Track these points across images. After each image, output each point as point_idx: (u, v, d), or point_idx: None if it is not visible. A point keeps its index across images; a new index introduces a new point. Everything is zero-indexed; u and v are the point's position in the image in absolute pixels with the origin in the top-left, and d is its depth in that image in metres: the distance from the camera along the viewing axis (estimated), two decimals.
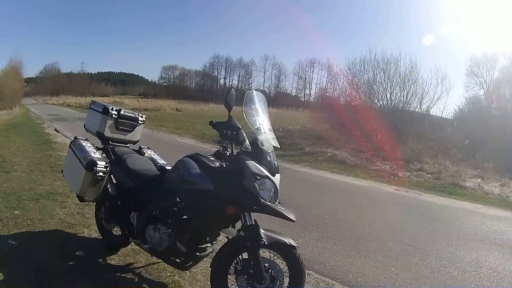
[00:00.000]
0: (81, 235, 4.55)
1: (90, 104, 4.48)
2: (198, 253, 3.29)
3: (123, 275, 3.69)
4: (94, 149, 4.04)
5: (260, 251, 2.94)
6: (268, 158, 2.97)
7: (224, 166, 3.10)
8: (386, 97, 19.13)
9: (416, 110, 18.80)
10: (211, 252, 3.39)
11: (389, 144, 15.49)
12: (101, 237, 4.38)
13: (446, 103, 19.94)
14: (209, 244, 3.38)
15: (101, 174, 3.76)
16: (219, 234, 3.51)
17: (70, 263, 3.79)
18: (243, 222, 2.98)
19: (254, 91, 3.36)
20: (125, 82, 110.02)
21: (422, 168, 12.88)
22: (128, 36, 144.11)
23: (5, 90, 32.55)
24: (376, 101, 19.61)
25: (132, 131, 4.47)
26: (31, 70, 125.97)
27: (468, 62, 34.28)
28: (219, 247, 3.17)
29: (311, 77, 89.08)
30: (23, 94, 44.63)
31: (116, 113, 4.24)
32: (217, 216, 3.06)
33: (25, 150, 10.44)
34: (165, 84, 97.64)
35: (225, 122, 3.15)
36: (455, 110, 26.08)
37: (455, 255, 5.17)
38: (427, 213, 7.53)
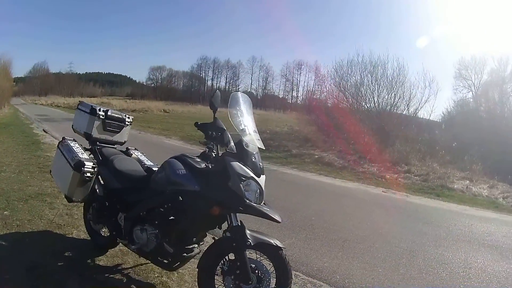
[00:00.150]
0: (70, 236, 4.52)
1: (78, 105, 4.48)
2: (185, 254, 3.27)
3: (111, 275, 3.66)
4: (82, 150, 4.06)
5: (247, 252, 2.94)
6: (253, 159, 2.99)
7: (210, 167, 3.11)
8: (374, 99, 19.19)
9: (404, 113, 18.86)
10: (198, 253, 3.37)
11: (377, 146, 15.52)
12: (89, 238, 4.35)
13: (434, 106, 20.08)
14: (196, 245, 3.36)
15: (88, 174, 3.78)
16: (206, 235, 3.50)
17: (59, 264, 3.76)
18: (229, 223, 2.98)
19: (239, 92, 3.37)
20: (113, 83, 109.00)
21: (410, 170, 12.92)
22: (116, 36, 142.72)
23: None
24: (364, 103, 19.64)
25: (119, 132, 4.47)
26: (20, 69, 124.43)
27: (456, 65, 34.42)
28: (206, 248, 3.17)
29: (298, 79, 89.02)
30: (12, 94, 44.09)
31: (103, 114, 4.24)
32: (203, 217, 3.05)
33: (14, 150, 10.34)
34: (152, 85, 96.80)
35: (210, 123, 3.17)
36: (443, 113, 26.40)
37: (444, 256, 5.15)
38: (415, 215, 7.52)
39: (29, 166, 8.18)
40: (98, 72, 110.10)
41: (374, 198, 8.94)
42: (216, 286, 3.05)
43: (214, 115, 3.16)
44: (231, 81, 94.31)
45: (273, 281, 2.97)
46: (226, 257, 3.03)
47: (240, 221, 2.98)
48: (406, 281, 4.29)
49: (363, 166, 13.41)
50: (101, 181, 4.02)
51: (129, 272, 3.75)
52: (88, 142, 4.27)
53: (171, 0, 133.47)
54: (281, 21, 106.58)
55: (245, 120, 3.13)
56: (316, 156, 14.76)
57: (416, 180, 11.84)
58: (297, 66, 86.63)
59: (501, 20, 67.30)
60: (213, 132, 3.13)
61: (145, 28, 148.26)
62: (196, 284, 3.19)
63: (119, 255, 4.07)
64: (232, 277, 2.94)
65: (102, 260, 3.93)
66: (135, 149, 4.54)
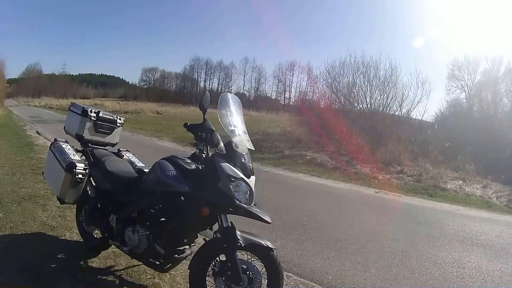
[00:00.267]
0: (63, 237, 4.51)
1: (70, 106, 4.49)
2: (176, 255, 3.26)
3: (103, 277, 3.66)
4: (74, 151, 4.08)
5: (238, 253, 2.93)
6: (243, 160, 3.00)
7: (200, 168, 3.10)
8: (366, 100, 19.13)
9: (396, 113, 18.84)
10: (190, 254, 3.35)
11: (369, 147, 15.53)
12: (82, 240, 4.34)
13: (427, 106, 20.09)
14: (187, 246, 3.35)
15: (80, 176, 3.80)
16: (197, 236, 3.50)
17: (52, 265, 3.75)
18: (219, 224, 2.98)
19: (228, 93, 3.40)
20: (106, 84, 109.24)
21: (403, 171, 12.92)
22: (109, 38, 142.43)
23: None
24: (356, 104, 19.58)
25: (110, 133, 4.48)
26: (13, 70, 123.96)
27: (449, 66, 34.55)
28: (197, 249, 3.18)
29: (291, 80, 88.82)
30: (5, 96, 43.92)
31: (94, 115, 4.26)
32: (193, 218, 3.05)
33: (7, 152, 10.31)
34: (145, 86, 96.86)
35: (199, 124, 3.15)
36: (436, 113, 26.51)
37: (437, 256, 5.13)
38: (408, 215, 7.50)
39: (22, 168, 8.14)
40: (91, 74, 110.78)
41: (366, 199, 8.91)
42: (208, 287, 3.04)
43: (203, 116, 3.16)
44: (224, 82, 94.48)
45: (264, 282, 2.97)
46: (217, 258, 3.02)
47: (231, 222, 2.96)
48: (398, 281, 4.27)
49: (355, 167, 13.38)
50: (93, 183, 4.04)
51: (122, 274, 3.74)
52: (80, 143, 4.27)
53: (164, 1, 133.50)
54: (274, 22, 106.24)
55: (235, 121, 3.14)
56: (309, 157, 14.72)
57: (409, 180, 11.84)
58: (290, 67, 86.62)
59: (494, 20, 67.98)
60: (203, 133, 3.11)
61: (138, 30, 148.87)
62: (188, 285, 3.17)
63: (112, 257, 4.07)
64: (223, 278, 2.93)
65: (94, 262, 3.93)
66: (126, 150, 4.55)
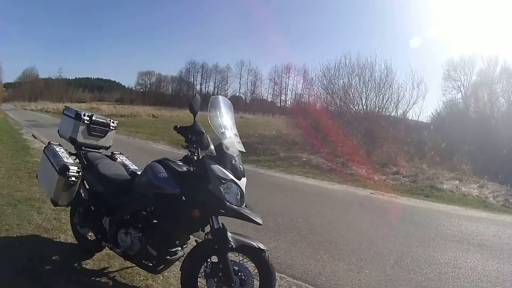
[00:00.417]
0: (58, 240, 4.53)
1: (63, 110, 4.54)
2: (168, 257, 3.29)
3: (97, 279, 3.68)
4: (67, 154, 4.14)
5: (231, 254, 2.98)
6: (233, 162, 3.01)
7: (192, 170, 3.12)
8: (362, 102, 19.07)
9: (392, 114, 18.82)
10: (182, 256, 3.36)
11: (365, 148, 15.56)
12: (76, 242, 4.38)
13: (423, 107, 20.07)
14: (180, 248, 3.37)
15: (73, 178, 3.85)
16: (189, 238, 3.48)
17: (46, 267, 3.77)
18: (211, 225, 2.99)
19: (220, 96, 3.39)
20: (102, 88, 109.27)
21: (398, 172, 12.91)
22: (105, 41, 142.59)
23: None
24: (352, 106, 19.53)
25: (104, 136, 4.50)
26: (9, 75, 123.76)
27: (445, 66, 34.79)
28: (188, 251, 3.20)
29: (287, 83, 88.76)
30: (1, 100, 43.98)
31: (88, 118, 4.28)
32: (184, 220, 3.06)
33: (3, 156, 10.37)
34: (141, 90, 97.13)
35: (189, 126, 3.18)
36: (432, 114, 26.52)
37: (432, 256, 5.10)
38: (403, 216, 7.44)
39: (18, 171, 8.19)
40: (87, 78, 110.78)
41: (362, 200, 8.86)
42: None
43: (194, 119, 3.17)
44: (220, 85, 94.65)
45: (256, 283, 2.99)
46: (209, 260, 3.03)
47: (222, 223, 2.97)
48: (393, 282, 4.23)
49: (351, 168, 13.35)
50: (86, 185, 4.07)
51: (115, 276, 3.76)
52: (73, 146, 4.30)
53: (159, 6, 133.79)
54: (269, 25, 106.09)
55: (226, 123, 3.13)
56: (304, 159, 14.71)
57: (405, 181, 11.82)
58: (286, 70, 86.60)
59: (489, 20, 68.38)
60: (193, 136, 3.13)
61: (134, 33, 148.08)
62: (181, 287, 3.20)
63: (106, 259, 4.09)
64: (215, 279, 2.94)
65: (88, 264, 3.94)
66: (120, 153, 4.60)
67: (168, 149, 16.09)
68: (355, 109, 19.32)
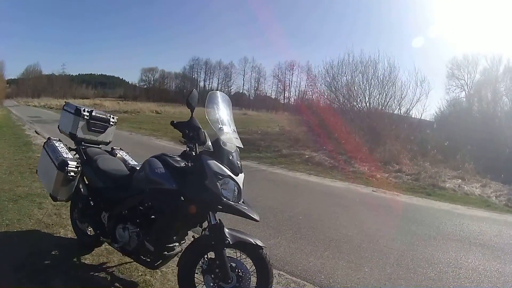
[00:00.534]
0: (57, 235, 4.58)
1: (63, 106, 4.55)
2: (166, 252, 3.30)
3: (96, 274, 3.72)
4: (67, 150, 4.18)
5: (229, 250, 3.02)
6: (231, 158, 3.02)
7: (189, 166, 3.12)
8: (365, 99, 19.04)
9: (395, 112, 18.77)
10: (180, 252, 3.38)
11: (367, 146, 15.51)
12: (76, 237, 4.42)
13: (426, 105, 19.91)
14: (177, 244, 3.38)
15: (72, 174, 3.89)
16: (187, 234, 3.49)
17: (46, 262, 3.82)
18: (208, 221, 2.99)
19: (217, 91, 3.40)
20: (105, 85, 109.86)
21: (401, 170, 12.82)
22: (109, 38, 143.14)
23: None
24: (355, 103, 19.50)
25: (103, 132, 4.52)
26: (12, 71, 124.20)
27: (449, 65, 34.57)
28: (186, 247, 3.22)
29: (290, 79, 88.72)
30: (5, 96, 44.04)
31: (87, 114, 4.30)
32: (182, 216, 3.07)
33: (6, 151, 10.47)
34: (145, 86, 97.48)
35: (186, 122, 3.17)
36: (436, 112, 26.34)
37: (433, 255, 5.06)
38: (405, 214, 7.40)
39: (20, 167, 8.28)
40: (91, 74, 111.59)
41: (363, 198, 8.81)
42: (197, 284, 3.06)
43: (191, 114, 3.18)
44: (223, 82, 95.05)
45: (254, 280, 2.98)
46: (206, 256, 3.03)
47: (219, 219, 2.96)
48: (393, 281, 4.21)
49: (353, 165, 13.29)
50: (85, 181, 4.11)
51: (114, 271, 3.79)
52: (73, 142, 4.32)
53: (163, 2, 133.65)
54: (273, 21, 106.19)
55: (223, 119, 3.14)
56: (307, 156, 14.65)
57: (407, 179, 11.73)
58: (289, 67, 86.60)
59: (493, 19, 67.96)
60: (190, 131, 3.12)
61: (138, 30, 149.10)
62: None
63: (105, 254, 4.13)
64: (212, 275, 2.95)
65: (87, 259, 3.98)
66: (120, 149, 4.61)
67: (170, 145, 16.03)
68: (358, 106, 19.32)
